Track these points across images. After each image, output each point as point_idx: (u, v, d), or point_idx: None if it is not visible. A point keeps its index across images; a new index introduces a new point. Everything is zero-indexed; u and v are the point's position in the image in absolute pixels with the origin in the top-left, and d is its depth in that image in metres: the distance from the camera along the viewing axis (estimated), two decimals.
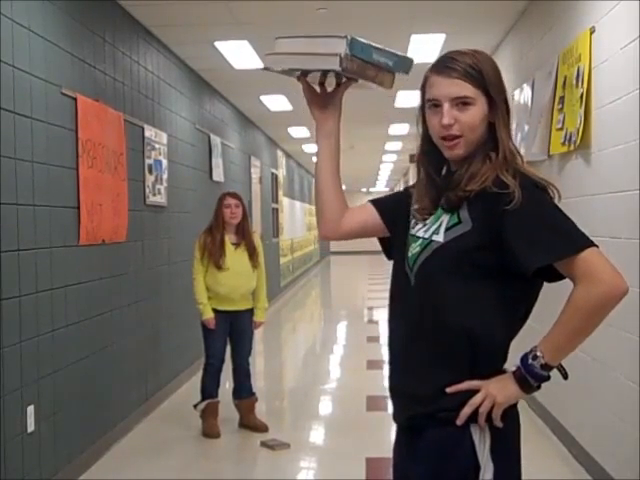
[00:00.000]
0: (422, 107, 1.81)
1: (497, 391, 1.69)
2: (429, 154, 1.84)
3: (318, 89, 1.93)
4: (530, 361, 1.67)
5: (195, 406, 5.31)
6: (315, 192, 1.99)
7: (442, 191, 1.80)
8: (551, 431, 5.03)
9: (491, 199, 1.68)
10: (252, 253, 5.27)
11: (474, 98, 1.71)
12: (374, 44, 1.82)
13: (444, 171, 1.84)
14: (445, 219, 1.75)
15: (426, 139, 1.84)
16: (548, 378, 1.69)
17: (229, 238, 5.25)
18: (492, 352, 1.74)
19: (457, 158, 1.77)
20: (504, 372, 1.75)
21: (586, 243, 1.63)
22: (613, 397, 3.93)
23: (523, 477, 1.80)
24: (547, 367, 1.67)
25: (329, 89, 1.93)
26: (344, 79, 1.89)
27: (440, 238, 1.73)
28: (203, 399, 5.29)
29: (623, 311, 3.60)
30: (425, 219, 1.81)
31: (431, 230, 1.77)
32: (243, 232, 5.29)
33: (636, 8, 3.55)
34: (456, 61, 1.73)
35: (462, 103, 1.72)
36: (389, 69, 1.87)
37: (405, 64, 1.91)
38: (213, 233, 5.22)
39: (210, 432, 5.22)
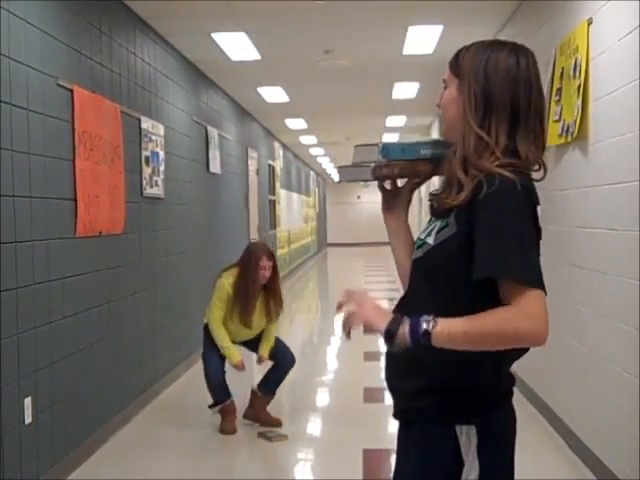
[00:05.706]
0: None
1: (370, 312, 1.70)
2: None
3: (389, 186, 1.98)
4: (422, 320, 1.62)
5: (210, 407, 5.16)
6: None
7: None
8: (548, 423, 5.03)
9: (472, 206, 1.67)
10: (273, 313, 5.15)
11: (447, 81, 1.83)
12: (422, 139, 1.83)
13: None
14: (438, 222, 1.77)
15: None
16: (412, 345, 1.63)
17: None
18: (469, 355, 1.66)
19: (444, 135, 1.85)
20: (489, 373, 1.73)
21: (538, 284, 1.59)
22: (611, 389, 3.94)
23: (519, 468, 1.79)
24: (427, 337, 1.61)
25: (400, 185, 1.97)
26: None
27: (431, 240, 1.76)
28: (215, 404, 5.12)
29: (621, 304, 3.63)
30: (430, 220, 1.84)
31: (426, 232, 1.80)
32: (273, 291, 5.17)
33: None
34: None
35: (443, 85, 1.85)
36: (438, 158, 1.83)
37: (443, 145, 1.85)
38: (248, 288, 4.97)
39: (226, 429, 5.05)
